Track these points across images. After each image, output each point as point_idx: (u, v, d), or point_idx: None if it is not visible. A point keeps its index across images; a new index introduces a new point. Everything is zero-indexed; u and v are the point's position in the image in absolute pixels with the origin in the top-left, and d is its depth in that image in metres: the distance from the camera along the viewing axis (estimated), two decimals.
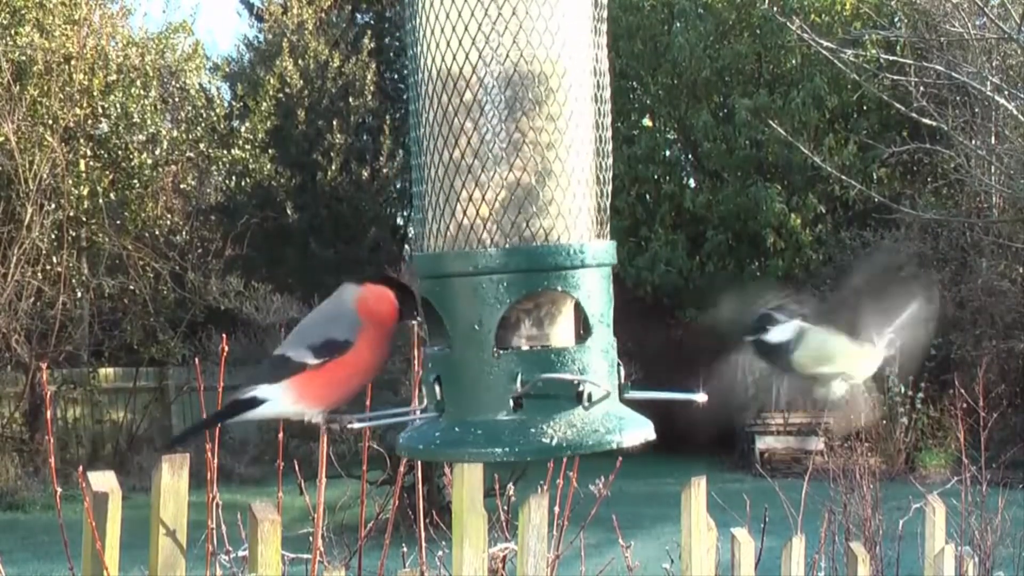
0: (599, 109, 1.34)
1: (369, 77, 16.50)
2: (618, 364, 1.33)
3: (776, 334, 1.84)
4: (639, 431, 1.29)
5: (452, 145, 1.29)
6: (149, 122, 13.68)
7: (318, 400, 1.36)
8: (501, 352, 1.26)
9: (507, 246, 1.27)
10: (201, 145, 14.50)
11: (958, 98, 12.79)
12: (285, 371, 1.36)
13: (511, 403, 1.25)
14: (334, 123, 16.09)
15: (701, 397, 1.44)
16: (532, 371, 1.25)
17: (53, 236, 12.87)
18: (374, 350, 1.38)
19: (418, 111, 1.33)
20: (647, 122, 15.92)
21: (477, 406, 1.27)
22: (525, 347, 1.30)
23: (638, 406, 1.35)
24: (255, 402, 1.36)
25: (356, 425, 1.39)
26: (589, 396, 1.26)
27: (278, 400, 1.35)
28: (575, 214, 1.30)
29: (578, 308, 1.31)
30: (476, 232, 1.28)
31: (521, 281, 1.27)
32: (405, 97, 1.37)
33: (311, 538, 2.18)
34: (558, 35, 1.28)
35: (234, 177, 15.28)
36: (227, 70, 17.64)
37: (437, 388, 1.30)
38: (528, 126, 1.28)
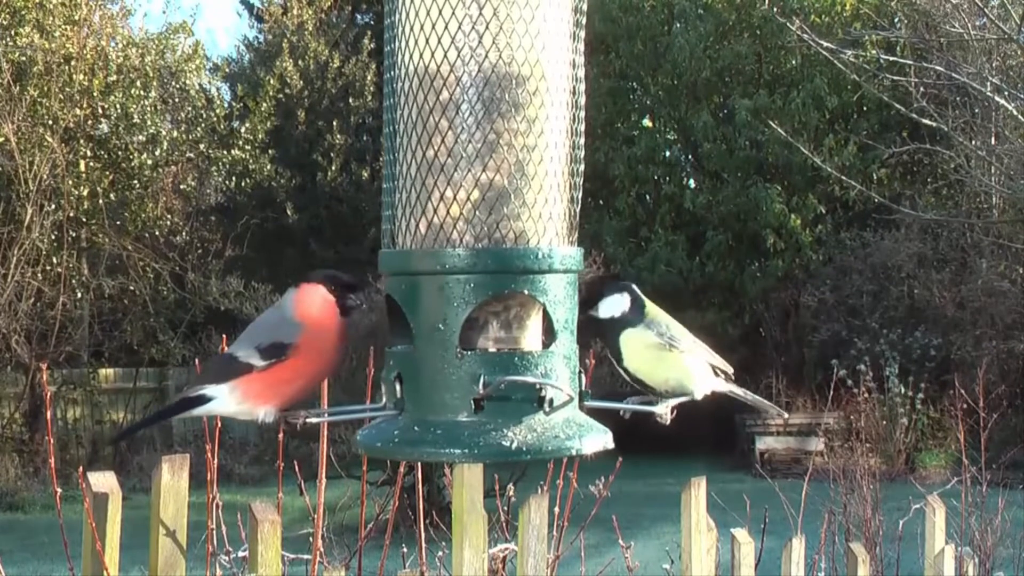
0: (574, 115, 1.33)
1: (369, 77, 16.50)
2: (580, 371, 1.32)
3: (606, 307, 1.44)
4: (598, 439, 1.28)
5: (426, 143, 1.28)
6: (149, 123, 13.67)
7: (263, 400, 1.36)
8: (464, 353, 1.25)
9: (475, 247, 1.26)
10: (201, 146, 14.50)
11: (958, 98, 12.79)
12: (231, 372, 1.36)
13: (472, 404, 1.24)
14: (334, 123, 16.10)
15: (661, 409, 1.41)
16: (495, 373, 1.24)
17: (53, 237, 12.87)
18: (319, 352, 1.37)
19: (393, 108, 1.32)
20: (647, 122, 15.92)
21: (438, 406, 1.26)
22: (492, 349, 1.29)
23: (598, 414, 1.34)
24: (202, 399, 1.37)
25: (313, 420, 1.39)
26: (551, 401, 1.25)
27: (223, 399, 1.36)
28: (545, 218, 1.29)
29: (544, 313, 1.30)
30: (446, 231, 1.27)
31: (488, 282, 1.26)
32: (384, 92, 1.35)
33: (311, 538, 2.18)
34: (537, 38, 1.28)
35: (234, 177, 15.28)
36: (227, 70, 17.65)
37: (397, 386, 1.29)
38: (504, 127, 1.27)
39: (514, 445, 1.23)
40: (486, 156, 1.27)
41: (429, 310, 1.27)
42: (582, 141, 1.35)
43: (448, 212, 1.27)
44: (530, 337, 1.32)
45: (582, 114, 1.35)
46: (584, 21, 1.35)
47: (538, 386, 1.25)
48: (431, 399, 1.27)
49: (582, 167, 1.35)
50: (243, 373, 1.35)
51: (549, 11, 1.29)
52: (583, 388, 1.32)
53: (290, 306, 1.40)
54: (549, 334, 1.30)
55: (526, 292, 1.27)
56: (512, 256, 1.26)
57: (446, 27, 1.26)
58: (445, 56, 1.27)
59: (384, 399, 1.32)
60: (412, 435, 1.27)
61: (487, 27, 1.26)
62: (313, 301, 1.38)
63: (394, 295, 1.30)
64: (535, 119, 1.28)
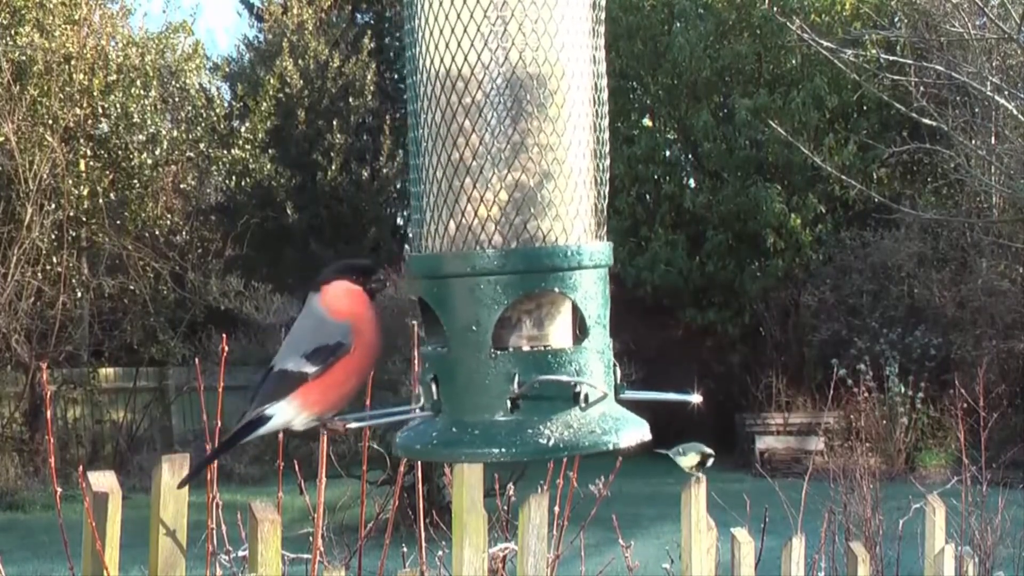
0: (597, 111, 1.34)
1: (369, 77, 16.51)
2: (614, 364, 1.33)
3: None
4: (635, 431, 1.29)
5: (451, 146, 1.29)
6: (149, 122, 13.67)
7: (320, 405, 1.38)
8: (498, 353, 1.26)
9: (505, 247, 1.27)
10: (201, 145, 14.50)
11: (958, 98, 12.79)
12: (287, 386, 1.38)
13: (508, 404, 1.25)
14: (334, 123, 16.10)
15: (696, 398, 1.44)
16: (529, 372, 1.25)
17: (53, 236, 12.87)
18: (368, 345, 1.39)
19: (417, 112, 1.33)
20: (647, 122, 15.91)
21: (474, 406, 1.27)
22: (525, 347, 1.30)
23: (634, 406, 1.35)
24: (263, 419, 1.38)
25: (354, 425, 1.40)
26: (586, 397, 1.26)
27: (283, 412, 1.37)
28: (573, 215, 1.30)
29: (575, 309, 1.31)
30: (475, 233, 1.28)
31: (518, 282, 1.26)
32: (405, 97, 1.38)
33: (311, 538, 2.17)
34: (557, 37, 1.28)
35: (234, 177, 15.27)
36: (227, 70, 17.64)
37: (434, 387, 1.30)
38: (528, 128, 1.28)
39: (551, 443, 1.24)
40: (512, 157, 1.27)
41: (461, 312, 1.27)
42: (606, 136, 1.35)
43: (475, 214, 1.28)
44: (563, 333, 1.33)
45: (605, 110, 1.35)
46: (603, 17, 1.35)
47: (572, 383, 1.26)
48: (467, 400, 1.28)
49: (607, 162, 1.35)
50: (299, 384, 1.37)
51: (568, 10, 1.30)
52: (618, 381, 1.33)
53: (320, 309, 1.41)
54: (582, 329, 1.31)
55: (556, 290, 1.28)
56: (541, 255, 1.27)
57: (465, 30, 1.27)
58: (466, 59, 1.27)
59: (421, 400, 1.33)
60: (450, 436, 1.28)
61: (506, 28, 1.27)
62: (341, 296, 1.40)
63: (426, 298, 1.31)
64: (558, 118, 1.29)
